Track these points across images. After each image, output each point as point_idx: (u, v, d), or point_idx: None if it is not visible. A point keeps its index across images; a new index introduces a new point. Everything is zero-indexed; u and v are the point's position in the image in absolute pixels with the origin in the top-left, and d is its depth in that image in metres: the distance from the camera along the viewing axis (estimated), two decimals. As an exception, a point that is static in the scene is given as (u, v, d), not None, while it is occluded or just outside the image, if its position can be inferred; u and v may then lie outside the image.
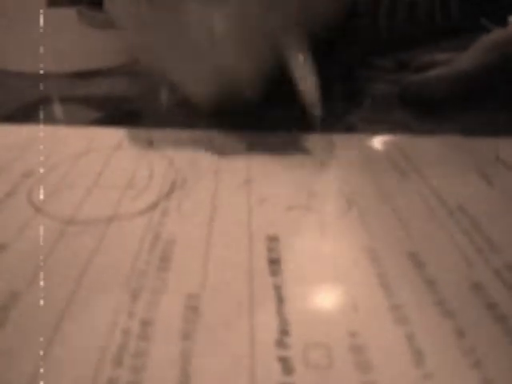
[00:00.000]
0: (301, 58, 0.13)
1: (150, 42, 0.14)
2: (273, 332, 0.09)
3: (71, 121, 0.18)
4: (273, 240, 0.11)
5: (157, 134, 0.17)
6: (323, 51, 0.21)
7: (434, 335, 0.09)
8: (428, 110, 0.21)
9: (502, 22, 0.41)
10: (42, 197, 0.13)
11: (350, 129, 0.19)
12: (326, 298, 0.09)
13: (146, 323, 0.09)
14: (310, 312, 0.09)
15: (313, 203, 0.13)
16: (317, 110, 0.14)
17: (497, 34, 0.23)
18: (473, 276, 0.10)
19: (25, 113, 0.19)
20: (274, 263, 0.10)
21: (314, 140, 0.17)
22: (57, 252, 0.11)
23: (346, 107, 0.21)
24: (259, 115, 0.16)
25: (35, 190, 0.13)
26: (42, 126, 0.17)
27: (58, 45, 0.24)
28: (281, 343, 0.08)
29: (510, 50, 0.22)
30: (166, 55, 0.14)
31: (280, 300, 0.09)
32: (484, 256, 0.11)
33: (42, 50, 0.24)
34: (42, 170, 0.14)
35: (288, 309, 0.09)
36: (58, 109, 0.19)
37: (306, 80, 0.13)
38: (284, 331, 0.09)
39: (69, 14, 0.23)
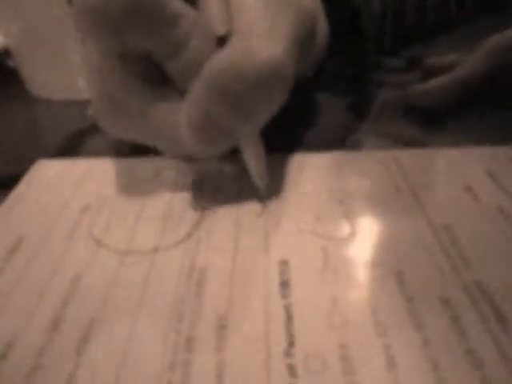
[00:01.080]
0: (252, 146, 0.16)
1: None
2: (282, 344, 0.12)
3: (113, 151, 0.21)
4: (284, 264, 0.14)
5: (189, 163, 0.19)
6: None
7: (405, 345, 0.11)
8: (431, 120, 0.23)
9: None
10: (100, 231, 0.16)
11: (354, 144, 0.21)
12: (323, 316, 0.12)
13: (189, 339, 0.12)
14: (311, 327, 0.12)
15: (319, 227, 0.16)
16: (262, 186, 0.17)
17: (499, 38, 0.24)
18: (445, 291, 0.13)
19: (72, 145, 0.22)
20: (284, 286, 0.13)
21: (318, 160, 0.19)
22: (118, 281, 0.14)
23: (352, 119, 0.23)
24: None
25: (93, 224, 0.16)
26: (88, 160, 0.20)
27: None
28: (288, 353, 0.11)
29: (510, 56, 0.23)
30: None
31: (289, 318, 0.12)
32: (458, 272, 0.13)
33: (81, 79, 0.27)
34: (96, 205, 0.17)
35: (294, 325, 0.12)
36: (100, 139, 0.23)
37: (255, 165, 0.16)
38: (291, 343, 0.12)
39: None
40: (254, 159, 0.16)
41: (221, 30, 0.15)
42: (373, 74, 0.28)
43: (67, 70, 0.27)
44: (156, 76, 0.16)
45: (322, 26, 0.20)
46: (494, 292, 0.13)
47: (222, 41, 0.15)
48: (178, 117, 0.15)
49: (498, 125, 0.22)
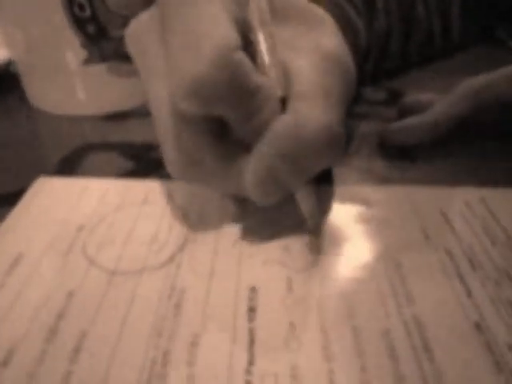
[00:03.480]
0: (306, 192, 0.18)
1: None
2: (244, 363, 0.14)
3: (108, 172, 0.23)
4: (252, 290, 0.16)
5: (176, 186, 0.21)
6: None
7: (346, 370, 0.14)
8: (404, 157, 0.25)
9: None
10: (93, 251, 0.18)
11: (330, 178, 0.23)
12: (281, 340, 0.14)
13: (165, 353, 0.14)
14: (270, 349, 0.14)
15: (286, 258, 0.18)
16: (312, 224, 0.19)
17: (471, 82, 0.26)
18: (386, 324, 0.15)
19: (69, 162, 0.24)
20: (251, 311, 0.15)
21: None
22: (107, 299, 0.16)
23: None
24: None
25: (87, 243, 0.18)
26: (86, 178, 0.22)
27: (91, 91, 0.29)
28: (248, 371, 0.13)
29: (482, 99, 0.25)
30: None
31: (252, 340, 0.14)
32: (400, 307, 0.16)
33: (80, 95, 0.29)
34: (90, 225, 0.19)
35: (256, 346, 0.14)
36: (96, 158, 0.24)
37: (307, 205, 0.18)
38: (251, 363, 0.14)
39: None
40: (305, 201, 0.18)
41: (280, 92, 0.17)
42: (354, 106, 0.30)
43: (68, 85, 0.29)
44: (224, 131, 0.17)
45: (356, 73, 0.22)
46: (427, 325, 0.15)
47: (284, 101, 0.17)
48: (244, 171, 0.17)
49: (466, 164, 0.24)
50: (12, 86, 0.31)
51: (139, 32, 0.18)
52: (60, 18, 0.25)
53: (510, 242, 0.19)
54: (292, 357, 0.14)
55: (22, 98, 0.31)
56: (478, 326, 0.15)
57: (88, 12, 0.25)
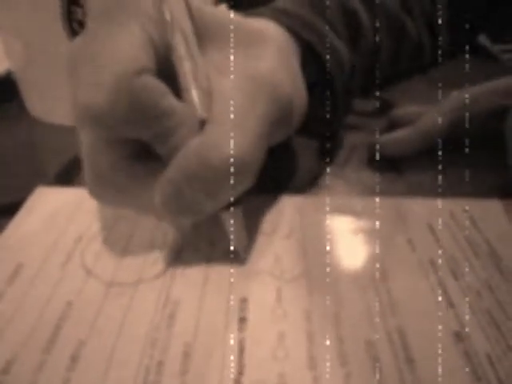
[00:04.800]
0: (230, 216, 0.18)
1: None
2: (233, 373, 0.14)
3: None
4: (243, 301, 0.17)
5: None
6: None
7: (331, 378, 0.14)
8: (391, 169, 0.26)
9: (500, 39, 0.44)
10: (90, 261, 0.18)
11: (321, 188, 0.24)
12: (269, 349, 0.15)
13: (159, 363, 0.15)
14: (258, 359, 0.15)
15: (276, 268, 0.18)
16: (242, 253, 0.19)
17: (458, 96, 0.27)
18: (371, 334, 0.16)
19: (67, 172, 0.25)
20: (242, 321, 0.16)
21: (285, 203, 0.22)
22: (104, 309, 0.16)
23: (321, 163, 0.26)
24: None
25: (85, 254, 0.19)
26: (82, 189, 0.23)
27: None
28: (237, 381, 0.14)
29: (470, 112, 0.26)
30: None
31: (241, 350, 0.15)
32: (385, 318, 0.16)
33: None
34: (88, 236, 0.20)
35: (245, 356, 0.15)
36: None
37: (232, 231, 0.18)
38: (240, 372, 0.14)
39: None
40: (229, 224, 0.18)
41: (202, 115, 0.16)
42: (345, 118, 0.31)
43: (67, 96, 0.29)
44: (143, 152, 0.17)
45: (301, 96, 0.21)
46: (409, 335, 0.16)
47: (203, 123, 0.16)
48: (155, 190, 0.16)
49: (452, 176, 0.25)
50: (11, 96, 0.32)
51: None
52: (59, 31, 0.26)
53: (492, 253, 0.19)
54: (279, 365, 0.15)
55: (21, 107, 0.31)
56: (459, 336, 0.16)
57: (86, 27, 0.26)
